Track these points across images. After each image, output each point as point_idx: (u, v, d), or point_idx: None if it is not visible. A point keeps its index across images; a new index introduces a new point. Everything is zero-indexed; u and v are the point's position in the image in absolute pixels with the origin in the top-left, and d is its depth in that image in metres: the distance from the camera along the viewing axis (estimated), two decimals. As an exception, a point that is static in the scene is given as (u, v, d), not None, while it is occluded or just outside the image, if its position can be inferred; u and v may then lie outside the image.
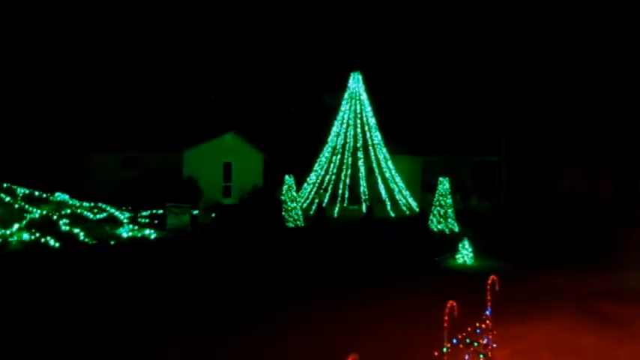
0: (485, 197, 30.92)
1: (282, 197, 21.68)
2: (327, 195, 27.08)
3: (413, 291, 10.66)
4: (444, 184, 20.64)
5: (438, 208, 20.54)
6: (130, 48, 24.09)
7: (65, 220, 17.52)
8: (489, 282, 6.61)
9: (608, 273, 12.59)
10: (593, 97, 28.25)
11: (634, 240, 16.56)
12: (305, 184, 27.60)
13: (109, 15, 22.96)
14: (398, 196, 27.20)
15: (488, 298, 6.56)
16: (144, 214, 20.63)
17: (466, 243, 13.95)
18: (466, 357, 6.07)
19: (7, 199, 17.68)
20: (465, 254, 13.80)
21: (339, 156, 27.64)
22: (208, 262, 13.91)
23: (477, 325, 6.33)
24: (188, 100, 29.90)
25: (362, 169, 27.23)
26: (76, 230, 16.66)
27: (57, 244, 15.30)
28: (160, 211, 20.39)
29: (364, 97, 28.13)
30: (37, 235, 15.70)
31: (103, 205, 20.71)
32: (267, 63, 25.68)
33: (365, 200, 26.12)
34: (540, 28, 27.45)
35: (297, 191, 23.80)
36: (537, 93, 29.30)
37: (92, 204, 20.68)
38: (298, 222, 21.45)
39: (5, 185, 18.77)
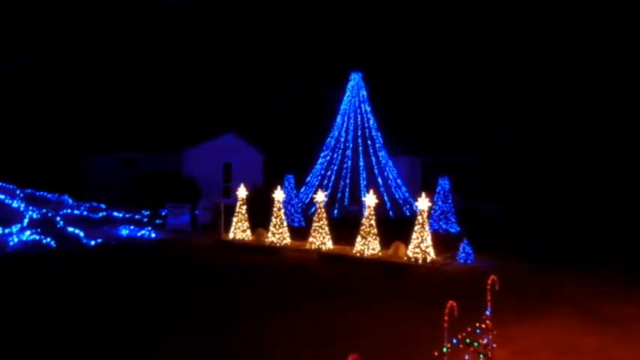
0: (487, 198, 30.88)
1: (283, 197, 21.62)
2: (327, 195, 27.03)
3: (413, 291, 10.66)
4: (444, 184, 20.63)
5: (438, 208, 20.53)
6: (129, 48, 24.12)
7: (65, 221, 17.51)
8: (489, 282, 6.61)
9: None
10: (595, 97, 28.26)
11: None
12: (305, 184, 27.58)
13: (109, 16, 23.00)
14: (398, 196, 27.17)
15: (488, 298, 6.56)
16: (144, 214, 20.63)
17: (466, 243, 13.94)
18: (466, 357, 6.07)
19: (7, 199, 17.67)
20: (466, 254, 13.80)
21: (339, 156, 27.61)
22: (209, 262, 13.90)
23: (477, 325, 6.32)
24: (188, 100, 29.98)
25: (362, 169, 27.21)
26: (77, 230, 16.66)
27: (57, 245, 15.30)
28: (160, 211, 20.39)
29: (364, 97, 28.11)
30: (37, 235, 15.69)
31: (103, 206, 20.73)
32: (268, 62, 25.69)
33: (365, 200, 26.08)
34: (541, 29, 27.48)
35: (297, 191, 23.76)
36: (538, 93, 29.30)
37: (92, 204, 20.69)
38: (298, 222, 21.43)
39: (5, 185, 18.77)
